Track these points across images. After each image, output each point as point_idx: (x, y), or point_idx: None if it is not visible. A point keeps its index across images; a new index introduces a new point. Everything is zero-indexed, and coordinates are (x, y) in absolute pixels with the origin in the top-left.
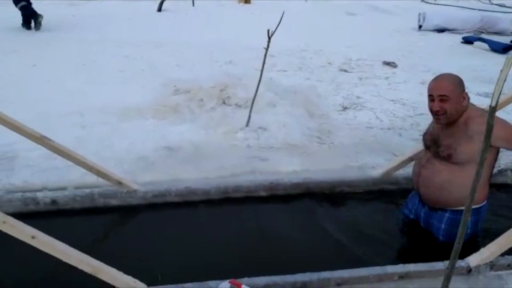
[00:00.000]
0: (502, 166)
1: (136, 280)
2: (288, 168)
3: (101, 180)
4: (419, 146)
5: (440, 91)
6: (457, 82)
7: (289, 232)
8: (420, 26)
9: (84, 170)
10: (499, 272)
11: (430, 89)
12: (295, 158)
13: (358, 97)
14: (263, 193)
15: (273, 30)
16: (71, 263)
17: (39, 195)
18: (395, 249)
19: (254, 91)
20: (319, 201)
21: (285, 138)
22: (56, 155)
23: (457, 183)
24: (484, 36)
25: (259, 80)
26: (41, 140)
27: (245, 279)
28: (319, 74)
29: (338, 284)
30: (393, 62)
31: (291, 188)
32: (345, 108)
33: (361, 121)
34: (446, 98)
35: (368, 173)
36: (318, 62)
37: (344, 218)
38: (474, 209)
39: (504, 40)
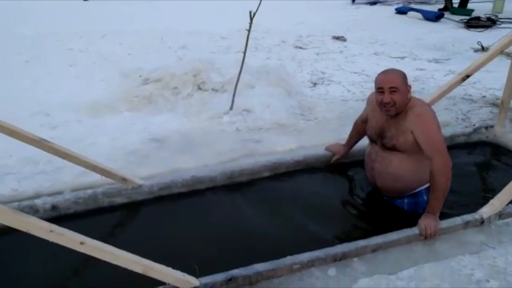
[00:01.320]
0: (477, 125)
1: (185, 274)
2: (285, 147)
3: (95, 180)
4: None
5: (391, 84)
6: (403, 75)
7: (300, 207)
8: (353, 0)
9: (75, 171)
10: (507, 220)
11: (379, 82)
12: (287, 137)
13: (322, 72)
14: (266, 174)
15: (214, 13)
16: (122, 264)
17: (38, 202)
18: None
19: (228, 74)
20: (322, 175)
21: (272, 118)
22: (37, 160)
23: (409, 170)
24: (413, 5)
25: (242, 62)
26: (40, 143)
27: (288, 258)
28: (277, 52)
29: (374, 250)
30: (342, 36)
31: (293, 166)
32: (314, 84)
33: (334, 95)
34: (396, 89)
35: (361, 144)
36: (272, 41)
37: (346, 188)
38: (427, 187)
39: (432, 8)
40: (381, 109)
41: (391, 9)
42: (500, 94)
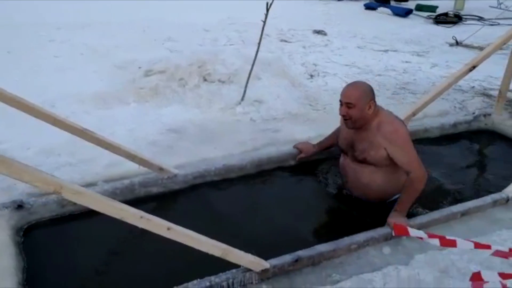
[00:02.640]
0: (476, 113)
1: (256, 257)
2: (303, 135)
3: (125, 171)
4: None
5: (347, 99)
6: (365, 91)
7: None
8: None
9: (103, 163)
10: None
11: (341, 94)
12: (302, 126)
13: (314, 65)
14: (292, 162)
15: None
16: (204, 249)
17: None
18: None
19: (232, 66)
20: None
21: (283, 108)
22: (57, 152)
23: (381, 181)
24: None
25: (256, 53)
26: (84, 133)
27: (346, 239)
28: (266, 45)
29: (419, 229)
30: (322, 30)
31: (316, 154)
32: (311, 76)
33: (333, 86)
34: (351, 105)
35: None
36: (255, 34)
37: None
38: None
39: (398, 4)
40: (343, 120)
41: (359, 4)
42: (486, 85)
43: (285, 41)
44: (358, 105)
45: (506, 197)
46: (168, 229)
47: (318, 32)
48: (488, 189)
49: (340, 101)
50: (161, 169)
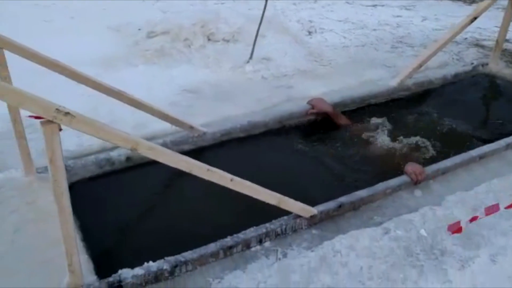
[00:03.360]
0: (474, 63)
1: (305, 205)
2: (318, 91)
3: (153, 131)
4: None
5: None
6: None
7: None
8: None
9: (130, 124)
10: None
11: None
12: (313, 81)
13: (310, 21)
14: (311, 117)
15: None
16: (261, 198)
17: (113, 154)
18: None
19: (235, 24)
20: (361, 114)
21: (292, 65)
22: None
23: None
24: None
25: (264, 9)
26: (120, 95)
27: (380, 184)
28: (258, 3)
29: (443, 173)
30: None
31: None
32: (310, 33)
33: (334, 42)
34: None
35: (384, 84)
36: None
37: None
38: None
39: None
40: None
41: None
42: (477, 36)
43: None
44: None
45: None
46: (231, 180)
47: None
48: (500, 132)
49: None
50: (191, 127)
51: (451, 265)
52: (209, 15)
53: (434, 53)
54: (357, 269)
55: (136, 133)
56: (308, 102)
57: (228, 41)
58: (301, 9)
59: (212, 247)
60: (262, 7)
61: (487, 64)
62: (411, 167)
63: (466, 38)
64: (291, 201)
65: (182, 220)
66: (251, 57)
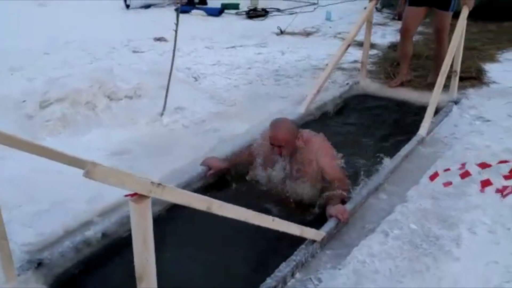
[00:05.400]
0: (350, 83)
1: (317, 230)
2: (243, 128)
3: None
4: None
5: (278, 142)
6: (292, 129)
7: None
8: (127, 6)
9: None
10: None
11: (270, 137)
12: (233, 121)
13: (188, 68)
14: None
15: None
16: (284, 229)
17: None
18: None
19: (131, 79)
20: None
21: (204, 110)
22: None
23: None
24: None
25: (172, 63)
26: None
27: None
28: (123, 58)
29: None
30: (163, 37)
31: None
32: (195, 79)
33: (223, 84)
34: (284, 145)
35: (291, 113)
36: (101, 49)
37: None
38: None
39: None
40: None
41: (170, 9)
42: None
43: (138, 51)
44: (289, 142)
45: (421, 136)
46: (273, 220)
47: (159, 39)
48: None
49: (272, 144)
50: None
51: (449, 246)
52: (102, 74)
53: (326, 79)
54: (388, 272)
55: (93, 207)
56: (202, 164)
57: (131, 97)
58: (180, 57)
59: None
60: (135, 60)
61: (358, 82)
62: (333, 211)
63: (327, 64)
64: (308, 228)
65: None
66: (164, 109)
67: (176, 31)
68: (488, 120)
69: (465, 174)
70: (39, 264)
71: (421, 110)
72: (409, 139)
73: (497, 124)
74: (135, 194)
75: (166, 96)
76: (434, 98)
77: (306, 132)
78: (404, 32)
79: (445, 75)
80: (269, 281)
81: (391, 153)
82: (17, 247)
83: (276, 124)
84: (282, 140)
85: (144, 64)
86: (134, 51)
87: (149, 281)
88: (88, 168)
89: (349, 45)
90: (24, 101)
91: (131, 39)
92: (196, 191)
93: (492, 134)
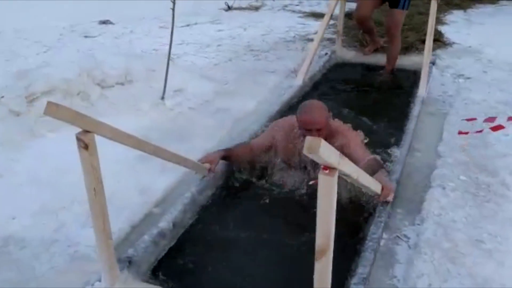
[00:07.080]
0: (328, 53)
1: None
2: (251, 104)
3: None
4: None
5: (316, 126)
6: (325, 110)
7: None
8: None
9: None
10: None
11: (306, 123)
12: (238, 98)
13: (155, 50)
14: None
15: None
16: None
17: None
18: None
19: (118, 65)
20: None
21: (204, 90)
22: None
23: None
24: None
25: (170, 48)
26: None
27: None
28: (78, 44)
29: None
30: (108, 20)
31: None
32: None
33: (203, 63)
34: (321, 128)
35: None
36: (47, 37)
37: None
38: None
39: None
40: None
41: None
42: (302, 33)
43: (89, 36)
44: (325, 125)
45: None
46: None
47: (105, 22)
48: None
49: (308, 129)
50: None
51: (501, 190)
52: (86, 62)
53: (316, 50)
54: (465, 220)
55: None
56: (202, 162)
57: (123, 83)
58: (129, 40)
59: None
60: (110, 44)
61: (335, 51)
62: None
63: (294, 36)
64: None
65: None
66: (164, 92)
67: (173, 9)
68: (469, 78)
69: (497, 128)
70: (130, 262)
71: (402, 72)
72: (404, 101)
73: (478, 80)
74: (326, 167)
75: (166, 78)
76: (426, 59)
77: (333, 121)
78: (359, 22)
79: (432, 37)
80: (370, 243)
81: (392, 114)
82: (91, 249)
83: (311, 106)
84: (320, 122)
85: (110, 48)
86: (85, 36)
87: (328, 254)
88: None
89: (331, 16)
90: (2, 96)
91: (72, 24)
92: None
93: (479, 89)
